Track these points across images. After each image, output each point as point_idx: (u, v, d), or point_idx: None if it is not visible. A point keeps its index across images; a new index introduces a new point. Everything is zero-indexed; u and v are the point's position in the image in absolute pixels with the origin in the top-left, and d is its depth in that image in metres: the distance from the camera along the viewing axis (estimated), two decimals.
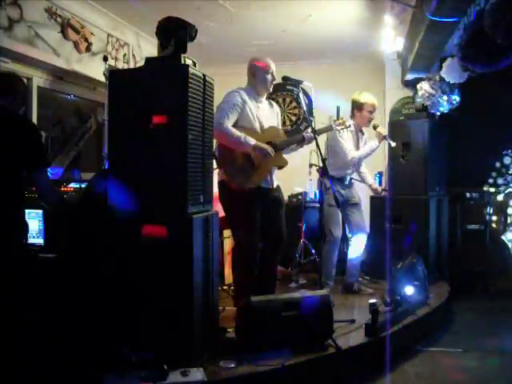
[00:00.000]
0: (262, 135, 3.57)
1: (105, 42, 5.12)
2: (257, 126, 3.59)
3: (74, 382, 2.40)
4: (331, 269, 4.42)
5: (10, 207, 2.42)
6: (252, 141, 3.44)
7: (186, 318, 2.64)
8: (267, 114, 3.71)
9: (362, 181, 4.84)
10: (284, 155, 3.76)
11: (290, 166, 3.77)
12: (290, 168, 3.82)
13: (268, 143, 3.55)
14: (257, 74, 3.63)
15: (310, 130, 3.71)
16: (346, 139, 4.39)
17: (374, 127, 4.40)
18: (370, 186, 4.90)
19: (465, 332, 4.10)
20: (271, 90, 3.72)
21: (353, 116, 4.47)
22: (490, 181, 5.61)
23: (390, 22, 4.67)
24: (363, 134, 4.59)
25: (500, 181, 5.54)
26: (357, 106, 4.44)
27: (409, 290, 3.87)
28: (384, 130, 4.43)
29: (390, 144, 4.49)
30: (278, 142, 3.62)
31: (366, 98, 4.41)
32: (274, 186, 3.72)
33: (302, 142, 3.72)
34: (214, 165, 3.64)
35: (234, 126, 3.48)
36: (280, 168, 3.72)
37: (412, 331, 3.66)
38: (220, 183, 3.60)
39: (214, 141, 3.44)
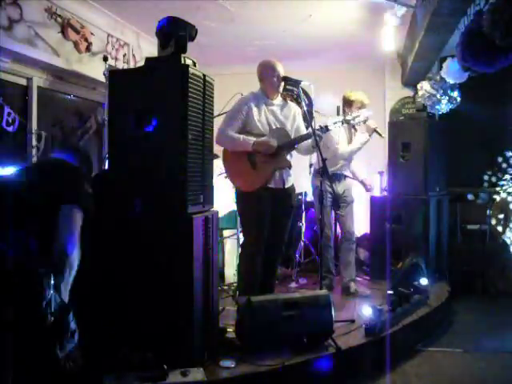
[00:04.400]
0: (269, 137, 3.59)
1: (105, 42, 5.12)
2: (265, 129, 3.62)
3: (74, 382, 2.40)
4: (328, 263, 4.50)
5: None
6: (251, 140, 3.51)
7: (185, 318, 2.64)
8: (279, 116, 3.72)
9: (353, 176, 4.79)
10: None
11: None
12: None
13: None
14: (263, 77, 3.69)
15: (312, 131, 3.70)
16: (339, 134, 4.39)
17: (364, 121, 4.38)
18: (361, 181, 4.84)
19: (465, 332, 4.11)
20: (280, 90, 3.73)
21: (344, 112, 4.46)
22: (490, 181, 5.61)
23: (389, 21, 4.66)
24: (356, 130, 4.54)
25: (500, 181, 5.53)
26: (346, 103, 4.46)
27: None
28: (374, 122, 4.39)
29: (380, 136, 4.46)
30: (280, 142, 3.62)
31: (355, 95, 4.43)
32: (286, 186, 3.70)
33: (308, 138, 3.67)
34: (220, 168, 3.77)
35: (241, 131, 3.57)
36: (282, 169, 3.71)
37: (412, 331, 3.66)
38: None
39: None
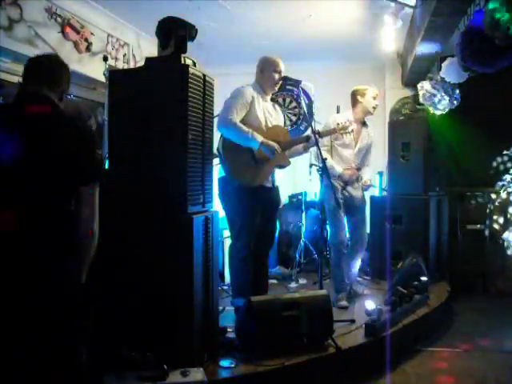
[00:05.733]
0: (267, 133, 3.56)
1: (105, 42, 5.12)
2: (262, 123, 3.58)
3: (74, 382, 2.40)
4: (341, 279, 4.11)
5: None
6: (259, 137, 3.43)
7: (186, 318, 2.64)
8: (272, 113, 3.71)
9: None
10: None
11: (290, 165, 3.77)
12: (290, 168, 3.82)
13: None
14: (265, 71, 3.63)
15: (312, 131, 3.68)
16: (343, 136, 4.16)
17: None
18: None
19: (465, 332, 4.11)
20: (276, 89, 3.72)
21: (355, 107, 4.25)
22: (490, 181, 5.61)
23: (389, 22, 4.67)
24: (367, 126, 4.35)
25: (500, 181, 5.54)
26: (360, 94, 4.22)
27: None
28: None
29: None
30: (282, 141, 3.61)
31: (365, 86, 4.28)
32: (275, 185, 3.72)
33: (306, 141, 3.66)
34: (216, 161, 3.65)
35: (241, 122, 3.47)
36: (282, 167, 3.72)
37: (412, 331, 3.66)
38: (221, 180, 3.59)
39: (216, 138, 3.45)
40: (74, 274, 1.98)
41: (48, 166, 1.93)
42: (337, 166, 4.09)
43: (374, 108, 4.26)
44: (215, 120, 3.19)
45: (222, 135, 3.51)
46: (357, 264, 4.38)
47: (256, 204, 3.52)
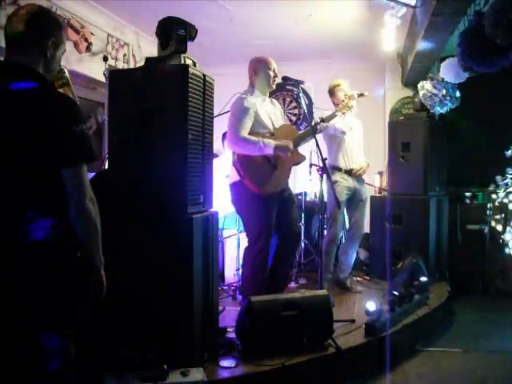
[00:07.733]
0: (276, 135, 3.58)
1: (105, 42, 5.11)
2: (270, 126, 3.59)
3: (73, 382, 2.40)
4: (329, 262, 4.40)
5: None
6: (271, 143, 3.44)
7: (186, 318, 2.64)
8: (277, 112, 3.73)
9: None
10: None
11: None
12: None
13: None
14: (259, 71, 3.61)
15: (318, 119, 3.74)
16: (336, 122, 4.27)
17: (360, 95, 4.16)
18: None
19: (465, 332, 4.11)
20: (274, 87, 3.72)
21: (335, 105, 4.31)
22: (490, 181, 5.60)
23: (389, 21, 4.66)
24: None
25: (500, 181, 5.53)
26: (331, 94, 4.41)
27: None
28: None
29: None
30: (294, 139, 3.61)
31: (333, 81, 4.41)
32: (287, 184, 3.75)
33: (315, 132, 3.65)
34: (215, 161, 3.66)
35: (249, 133, 3.49)
36: (297, 164, 3.74)
37: (412, 331, 3.66)
38: (235, 186, 3.56)
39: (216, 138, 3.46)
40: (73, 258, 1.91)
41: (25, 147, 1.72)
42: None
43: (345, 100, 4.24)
44: (215, 120, 3.20)
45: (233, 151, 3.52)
46: (353, 259, 4.57)
47: (272, 206, 3.53)
